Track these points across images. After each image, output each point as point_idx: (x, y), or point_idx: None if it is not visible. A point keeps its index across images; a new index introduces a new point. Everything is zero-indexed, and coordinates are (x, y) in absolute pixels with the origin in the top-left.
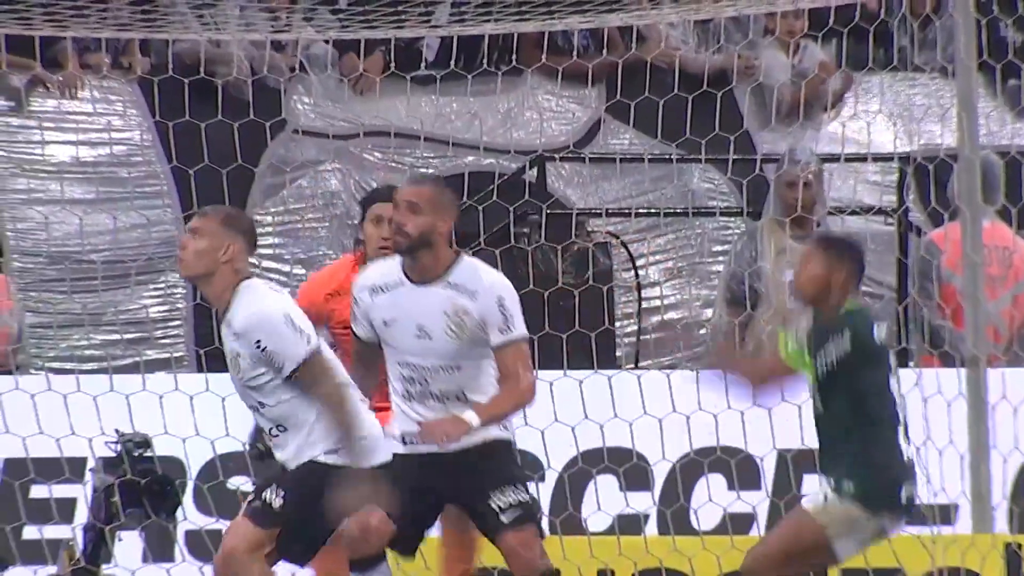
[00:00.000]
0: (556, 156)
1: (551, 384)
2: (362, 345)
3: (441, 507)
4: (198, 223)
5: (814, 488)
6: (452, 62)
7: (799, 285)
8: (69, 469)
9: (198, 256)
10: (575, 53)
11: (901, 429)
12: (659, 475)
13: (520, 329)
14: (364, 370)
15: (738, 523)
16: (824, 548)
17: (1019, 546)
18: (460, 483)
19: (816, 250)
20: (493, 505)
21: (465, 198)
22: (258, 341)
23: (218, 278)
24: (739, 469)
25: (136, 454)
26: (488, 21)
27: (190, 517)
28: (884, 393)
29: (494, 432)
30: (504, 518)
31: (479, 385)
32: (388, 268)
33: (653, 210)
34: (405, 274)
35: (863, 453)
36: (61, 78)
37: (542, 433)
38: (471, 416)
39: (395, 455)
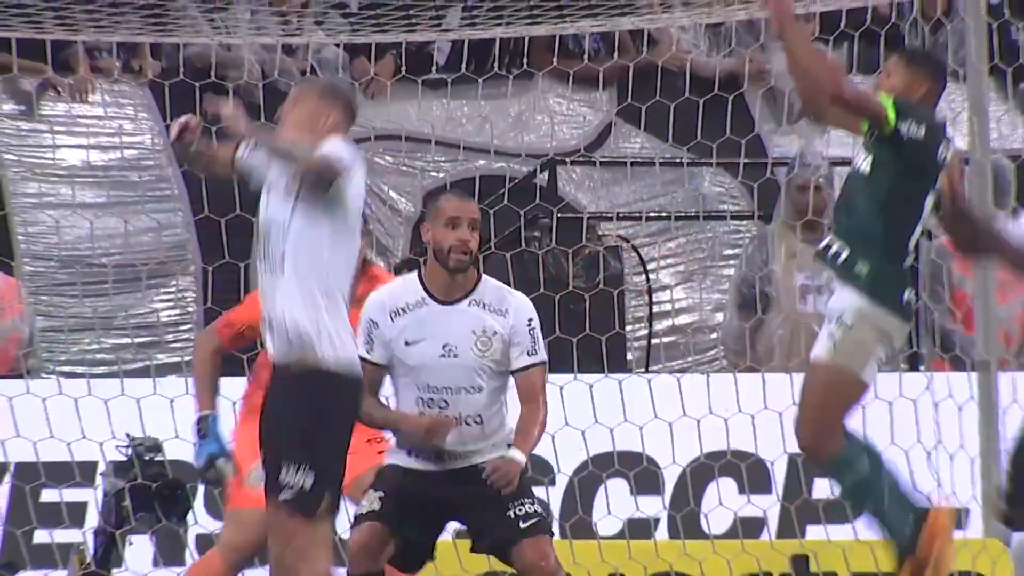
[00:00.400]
0: (567, 160)
1: (561, 388)
2: (377, 372)
3: (446, 521)
4: (297, 93)
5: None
6: (463, 66)
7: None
8: (80, 473)
9: (298, 127)
10: (586, 57)
11: (912, 242)
12: (669, 479)
13: (544, 353)
14: (376, 398)
15: (749, 527)
16: (854, 382)
17: None
18: (474, 496)
19: (899, 63)
20: (511, 515)
21: (476, 202)
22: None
23: None
24: (750, 473)
25: (147, 458)
26: (499, 25)
27: (201, 521)
28: (914, 205)
29: (505, 449)
30: (523, 525)
31: (496, 408)
32: (404, 288)
33: (664, 214)
34: (427, 293)
35: (881, 243)
36: (72, 82)
37: (552, 437)
38: (519, 455)
39: (402, 468)
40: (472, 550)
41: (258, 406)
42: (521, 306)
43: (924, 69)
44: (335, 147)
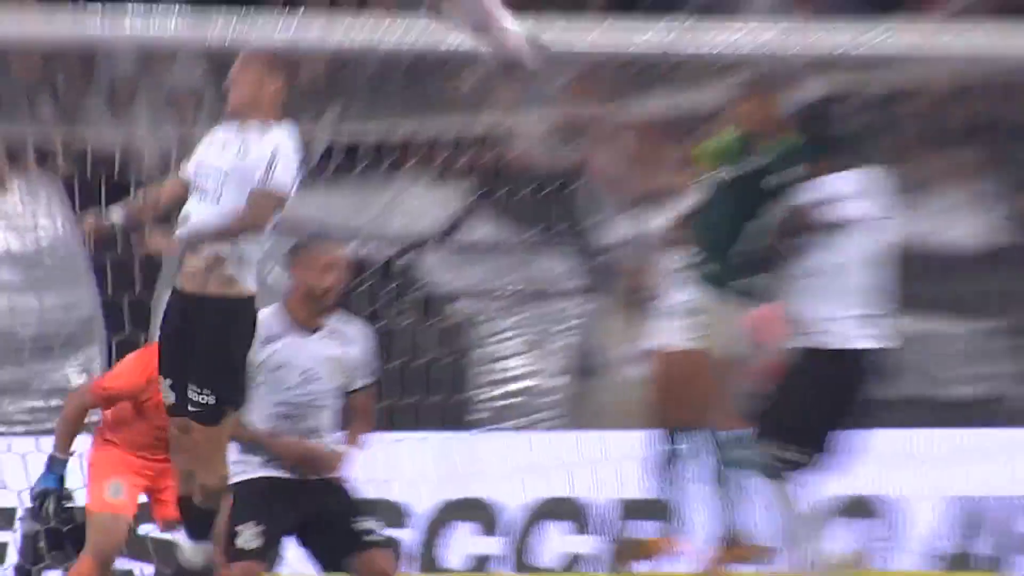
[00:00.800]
0: (427, 243)
1: (421, 441)
2: None
3: (297, 526)
4: (242, 64)
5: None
6: (339, 159)
7: (738, 120)
8: (1, 518)
9: (242, 98)
10: (446, 151)
11: (748, 245)
12: (511, 521)
13: (375, 374)
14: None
15: (580, 562)
16: (717, 362)
17: None
18: (326, 506)
19: (752, 95)
20: (359, 527)
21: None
22: (273, 154)
23: (260, 113)
24: (582, 516)
25: (59, 505)
26: (371, 123)
27: None
28: (750, 219)
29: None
30: (371, 539)
31: (331, 422)
32: (271, 318)
33: (512, 291)
34: (292, 323)
35: (719, 246)
36: None
37: (410, 484)
38: (351, 451)
39: (263, 481)
40: (323, 567)
41: (110, 439)
42: (365, 336)
43: (776, 96)
44: (271, 182)
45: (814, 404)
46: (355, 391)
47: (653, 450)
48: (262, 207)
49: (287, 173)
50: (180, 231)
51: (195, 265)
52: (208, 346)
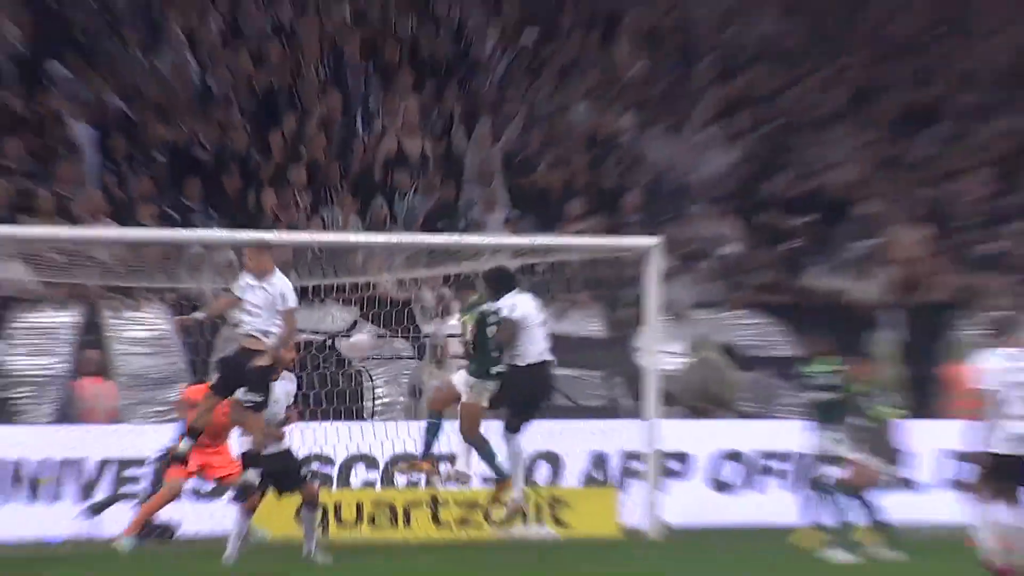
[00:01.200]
0: (339, 334)
1: (338, 425)
2: None
3: (272, 478)
4: (247, 255)
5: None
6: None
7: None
8: (144, 462)
9: (254, 272)
10: (348, 290)
11: (494, 354)
12: (384, 464)
13: None
14: None
15: (415, 484)
16: (481, 407)
17: None
18: (285, 465)
19: (486, 284)
20: (303, 471)
21: (302, 351)
22: (283, 292)
23: (263, 267)
24: (428, 473)
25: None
26: (311, 277)
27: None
28: (489, 340)
29: (287, 443)
30: (309, 476)
31: (281, 421)
32: None
33: (380, 356)
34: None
35: (481, 355)
36: (133, 301)
37: (334, 447)
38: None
39: (258, 452)
40: (279, 495)
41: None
42: (295, 379)
43: (494, 284)
44: (287, 304)
45: (523, 391)
46: (289, 405)
47: (430, 425)
48: (292, 321)
49: (292, 299)
50: (238, 327)
51: (247, 338)
52: (257, 373)
